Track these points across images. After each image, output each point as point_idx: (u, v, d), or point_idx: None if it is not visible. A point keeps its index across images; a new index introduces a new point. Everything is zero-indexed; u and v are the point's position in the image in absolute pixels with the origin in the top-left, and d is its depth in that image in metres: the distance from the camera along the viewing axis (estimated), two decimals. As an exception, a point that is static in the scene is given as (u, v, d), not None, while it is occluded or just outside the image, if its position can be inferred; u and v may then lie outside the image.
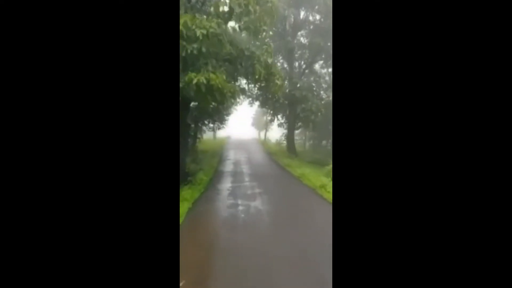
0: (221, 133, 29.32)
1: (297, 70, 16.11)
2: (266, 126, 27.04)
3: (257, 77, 6.59)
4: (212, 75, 5.28)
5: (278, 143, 21.88)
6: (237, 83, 10.48)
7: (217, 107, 12.08)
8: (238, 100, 17.18)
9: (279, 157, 14.06)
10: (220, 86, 5.43)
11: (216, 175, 8.92)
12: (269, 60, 6.46)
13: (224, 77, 5.53)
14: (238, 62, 7.14)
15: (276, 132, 25.34)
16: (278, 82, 6.80)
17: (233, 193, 6.51)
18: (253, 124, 38.07)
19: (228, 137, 27.47)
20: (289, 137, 16.72)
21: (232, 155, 14.40)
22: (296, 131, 18.47)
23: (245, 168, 10.42)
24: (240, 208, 5.33)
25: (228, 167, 10.79)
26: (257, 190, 6.82)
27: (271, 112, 16.68)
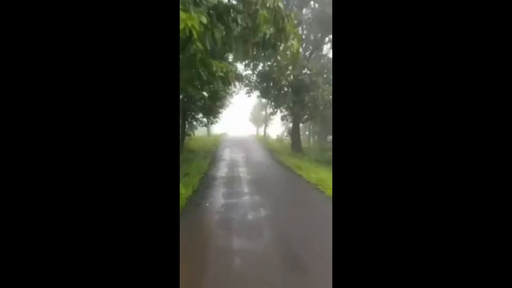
0: (216, 130, 27.17)
1: (303, 52, 13.65)
2: (266, 120, 24.85)
3: (261, 35, 4.12)
4: (182, 14, 2.82)
5: (280, 139, 19.67)
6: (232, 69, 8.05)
7: (208, 95, 9.63)
8: (233, 88, 14.72)
9: (283, 156, 11.71)
10: (197, 36, 2.98)
11: (204, 185, 6.44)
12: (280, 5, 3.94)
13: (205, 20, 3.07)
14: (231, 19, 4.65)
15: (276, 128, 23.29)
16: (294, 44, 4.27)
17: (224, 221, 4.05)
18: (250, 120, 36.11)
19: (224, 134, 25.26)
20: (294, 131, 14.30)
21: (227, 155, 11.94)
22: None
23: (243, 172, 7.98)
24: (237, 262, 2.88)
25: (222, 170, 8.33)
26: (262, 213, 4.40)
27: (273, 103, 14.18)
